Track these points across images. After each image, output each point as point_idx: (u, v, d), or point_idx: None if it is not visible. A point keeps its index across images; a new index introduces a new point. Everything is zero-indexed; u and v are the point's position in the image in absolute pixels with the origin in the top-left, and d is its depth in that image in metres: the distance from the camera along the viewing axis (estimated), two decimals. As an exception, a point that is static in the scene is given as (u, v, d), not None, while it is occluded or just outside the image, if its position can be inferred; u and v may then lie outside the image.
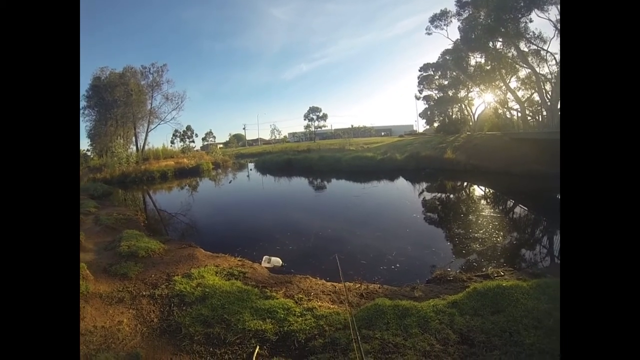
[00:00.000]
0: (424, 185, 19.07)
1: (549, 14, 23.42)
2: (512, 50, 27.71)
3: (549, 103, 25.31)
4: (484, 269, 6.33)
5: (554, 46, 25.56)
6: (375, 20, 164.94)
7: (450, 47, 36.17)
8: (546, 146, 18.73)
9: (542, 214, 11.60)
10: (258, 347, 3.84)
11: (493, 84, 31.65)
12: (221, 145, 75.76)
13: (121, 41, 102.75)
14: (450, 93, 39.12)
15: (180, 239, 10.10)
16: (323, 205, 15.46)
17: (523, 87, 31.06)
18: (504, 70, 29.20)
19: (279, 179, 26.80)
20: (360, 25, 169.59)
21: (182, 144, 65.86)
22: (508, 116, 34.18)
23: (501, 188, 16.78)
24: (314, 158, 31.77)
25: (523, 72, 29.69)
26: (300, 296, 5.09)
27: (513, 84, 30.92)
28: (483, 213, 11.61)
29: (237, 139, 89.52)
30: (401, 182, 20.85)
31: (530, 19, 24.51)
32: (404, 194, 16.78)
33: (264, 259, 7.37)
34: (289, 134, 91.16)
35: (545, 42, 25.51)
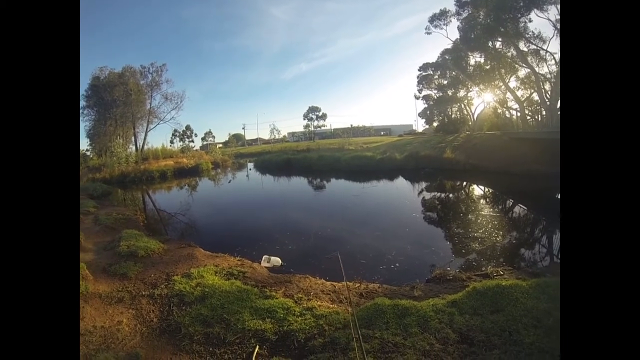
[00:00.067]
0: (424, 184, 19.08)
1: (548, 13, 23.49)
2: (512, 50, 27.74)
3: (548, 103, 25.34)
4: (483, 268, 6.33)
5: (554, 46, 25.62)
6: (374, 19, 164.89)
7: (449, 46, 36.28)
8: (545, 146, 18.75)
9: (542, 214, 11.61)
10: (258, 346, 3.84)
11: (492, 83, 31.67)
12: (220, 145, 75.77)
13: (120, 41, 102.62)
14: (449, 92, 39.15)
15: (180, 238, 10.09)
16: (322, 204, 15.46)
17: (522, 87, 31.11)
18: (503, 70, 29.22)
19: (278, 179, 26.81)
20: (360, 24, 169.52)
21: (181, 143, 65.88)
22: (507, 116, 34.25)
23: (500, 187, 16.80)
24: (313, 158, 31.78)
25: (522, 72, 29.76)
26: (300, 296, 5.10)
27: (512, 83, 31.01)
28: (482, 212, 11.62)
29: (237, 138, 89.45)
30: (400, 181, 20.87)
31: (530, 18, 24.58)
32: (404, 194, 16.79)
33: (263, 259, 7.37)
34: (289, 133, 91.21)
35: (544, 41, 25.58)
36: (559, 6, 22.05)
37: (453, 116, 43.28)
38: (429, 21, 36.20)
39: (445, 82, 39.59)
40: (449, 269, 6.41)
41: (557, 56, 25.00)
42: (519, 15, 24.39)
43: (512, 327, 3.66)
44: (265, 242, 9.11)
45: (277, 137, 79.84)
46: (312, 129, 76.02)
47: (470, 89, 37.52)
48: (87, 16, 73.03)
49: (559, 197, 12.92)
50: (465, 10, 29.90)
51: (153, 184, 27.47)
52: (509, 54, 28.24)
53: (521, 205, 12.90)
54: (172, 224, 13.07)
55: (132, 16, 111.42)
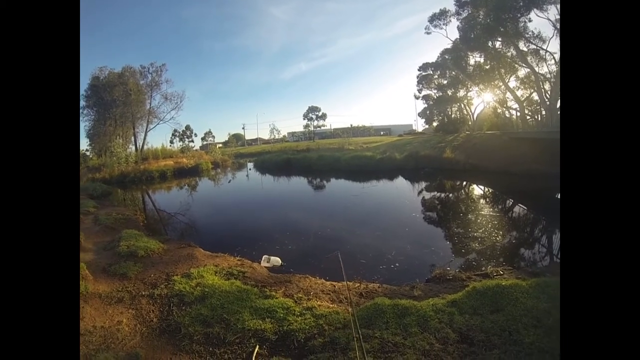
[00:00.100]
0: (423, 184, 19.09)
1: (548, 13, 23.48)
2: (511, 50, 27.75)
3: (548, 102, 25.35)
4: (483, 268, 6.33)
5: (553, 46, 25.62)
6: (374, 19, 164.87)
7: (449, 46, 36.28)
8: (545, 145, 18.76)
9: (542, 214, 11.62)
10: (257, 346, 3.84)
11: (492, 83, 31.67)
12: (220, 145, 75.68)
13: (120, 41, 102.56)
14: (449, 92, 39.14)
15: (180, 238, 10.09)
16: (322, 204, 15.47)
17: (522, 87, 31.10)
18: (503, 70, 29.22)
19: (278, 179, 26.81)
20: (360, 24, 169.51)
21: (181, 143, 65.90)
22: (507, 115, 34.24)
23: (500, 187, 16.81)
24: (313, 157, 31.80)
25: (522, 72, 29.74)
26: (300, 295, 5.10)
27: (512, 83, 31.00)
28: (482, 212, 11.63)
29: (236, 138, 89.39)
30: (400, 181, 20.87)
31: (530, 18, 24.58)
32: (403, 194, 16.80)
33: (263, 259, 7.38)
34: (288, 133, 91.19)
35: (544, 41, 25.58)
36: (558, 6, 22.06)
37: (453, 116, 43.28)
38: (428, 21, 36.25)
39: (445, 82, 39.58)
40: (448, 268, 6.41)
41: (557, 56, 25.03)
42: (519, 15, 24.40)
43: (512, 326, 3.66)
44: (265, 242, 9.11)
45: (276, 137, 79.93)
46: (312, 128, 76.05)
47: (470, 89, 37.51)
48: (87, 16, 73.05)
49: (559, 197, 12.93)
50: (465, 10, 29.91)
51: (153, 184, 27.46)
52: (509, 54, 28.25)
53: (521, 205, 12.91)
54: (171, 224, 13.07)
55: (132, 16, 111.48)
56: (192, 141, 73.13)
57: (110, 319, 4.63)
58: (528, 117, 29.86)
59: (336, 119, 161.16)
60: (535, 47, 26.24)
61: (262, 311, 4.53)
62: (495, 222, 10.10)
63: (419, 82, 43.69)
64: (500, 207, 13.15)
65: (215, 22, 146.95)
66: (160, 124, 42.40)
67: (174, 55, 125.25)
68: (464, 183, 19.09)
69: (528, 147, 20.65)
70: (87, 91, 39.12)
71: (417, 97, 45.46)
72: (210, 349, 3.91)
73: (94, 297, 5.24)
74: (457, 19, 31.32)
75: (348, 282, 5.61)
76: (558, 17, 22.76)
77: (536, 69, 26.59)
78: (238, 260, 7.16)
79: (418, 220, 11.35)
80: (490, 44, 28.20)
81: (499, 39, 27.47)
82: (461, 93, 38.86)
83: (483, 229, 9.38)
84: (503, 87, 31.06)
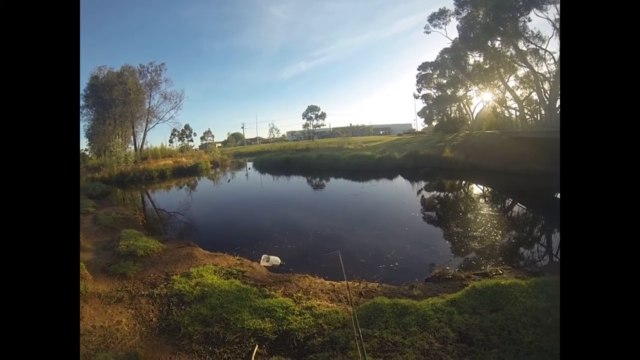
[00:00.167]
0: (423, 184, 19.09)
1: (547, 13, 23.51)
2: (511, 49, 27.76)
3: (547, 102, 25.37)
4: (482, 268, 6.34)
5: (553, 45, 25.64)
6: (374, 19, 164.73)
7: (449, 46, 36.29)
8: (544, 145, 18.78)
9: (541, 213, 11.63)
10: (257, 346, 3.84)
11: (491, 82, 31.69)
12: (220, 144, 75.62)
13: (119, 40, 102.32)
14: (448, 92, 39.15)
15: (179, 238, 10.09)
16: (322, 204, 15.48)
17: (521, 86, 31.11)
18: (502, 69, 29.22)
19: (277, 178, 26.81)
20: (359, 24, 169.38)
21: (180, 143, 65.54)
22: (506, 115, 34.28)
23: (500, 187, 16.82)
24: (312, 157, 31.80)
25: (521, 71, 29.75)
26: (299, 295, 5.10)
27: (511, 83, 31.02)
28: (482, 212, 11.64)
29: (236, 138, 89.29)
30: (400, 180, 20.88)
31: (529, 18, 24.61)
32: (403, 193, 16.80)
33: (262, 258, 7.38)
34: (288, 132, 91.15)
35: (543, 41, 25.59)
36: (558, 6, 22.07)
37: (452, 115, 43.30)
38: (428, 20, 36.16)
39: (445, 81, 39.60)
40: (448, 268, 6.42)
41: (556, 55, 25.06)
42: (518, 15, 24.42)
43: (511, 326, 3.67)
44: (264, 241, 9.11)
45: (276, 136, 79.82)
46: (311, 128, 75.98)
47: (470, 88, 37.53)
48: (86, 16, 72.82)
49: (559, 196, 12.95)
50: (465, 10, 29.89)
51: (152, 184, 27.44)
52: (508, 54, 28.27)
53: (520, 205, 12.92)
54: (171, 224, 13.06)
55: (131, 16, 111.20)
56: (192, 140, 72.71)
57: (109, 319, 4.63)
58: (527, 117, 29.87)
59: (335, 119, 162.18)
60: (534, 46, 26.29)
61: (262, 310, 4.53)
62: (495, 222, 10.11)
63: (418, 82, 43.71)
64: (499, 206, 13.16)
65: (215, 22, 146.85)
66: (159, 123, 42.50)
67: (174, 55, 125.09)
68: (464, 182, 19.10)
69: (527, 147, 20.68)
70: (87, 91, 39.10)
71: (416, 97, 45.53)
72: (210, 348, 3.91)
73: (94, 297, 5.24)
74: (457, 19, 31.35)
75: (347, 282, 5.62)
76: (557, 16, 22.79)
77: (535, 68, 26.62)
78: (237, 259, 7.16)
79: (417, 220, 11.36)
80: (489, 43, 28.22)
81: (499, 39, 27.48)
82: (460, 92, 38.88)
83: (482, 228, 9.39)
84: (502, 86, 31.09)
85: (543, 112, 26.53)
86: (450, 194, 15.99)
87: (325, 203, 15.58)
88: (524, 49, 26.78)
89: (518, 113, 30.60)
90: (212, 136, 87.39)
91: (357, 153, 30.30)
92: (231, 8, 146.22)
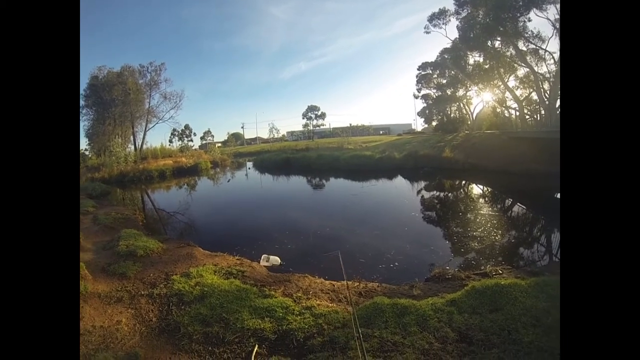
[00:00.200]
0: (423, 184, 19.09)
1: (547, 13, 23.52)
2: (511, 49, 27.77)
3: (547, 102, 25.38)
4: (482, 268, 6.35)
5: (553, 45, 25.67)
6: (374, 19, 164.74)
7: (448, 46, 36.29)
8: (544, 145, 18.78)
9: (541, 213, 11.63)
10: (257, 346, 3.84)
11: (491, 83, 31.70)
12: (219, 144, 75.58)
13: (119, 40, 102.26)
14: (448, 92, 39.15)
15: (179, 238, 10.08)
16: (321, 204, 15.48)
17: (521, 86, 31.12)
18: (502, 69, 29.23)
19: (277, 178, 26.81)
20: (359, 24, 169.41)
21: (180, 143, 65.49)
22: (506, 115, 34.29)
23: (499, 187, 16.83)
24: (312, 157, 31.79)
25: (521, 71, 29.76)
26: (299, 295, 5.10)
27: (511, 83, 31.02)
28: (481, 212, 11.64)
29: (236, 137, 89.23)
30: (399, 180, 20.88)
31: (529, 18, 24.63)
32: (403, 193, 16.80)
33: (262, 258, 7.38)
34: (288, 132, 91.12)
35: (543, 41, 25.60)
36: (558, 6, 22.08)
37: (452, 115, 43.30)
38: (428, 20, 36.15)
39: (445, 81, 39.60)
40: (448, 268, 6.42)
41: (556, 55, 25.07)
42: (518, 15, 24.43)
43: (511, 326, 3.67)
44: (264, 241, 9.11)
45: (276, 136, 79.78)
46: (311, 128, 76.00)
47: (469, 88, 37.53)
48: (86, 16, 72.77)
49: (558, 196, 12.95)
50: (465, 10, 29.89)
51: (152, 184, 27.44)
52: (508, 54, 28.27)
53: (520, 205, 12.93)
54: (171, 224, 13.06)
55: (130, 15, 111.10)
56: (191, 140, 72.60)
57: (109, 319, 4.63)
58: (527, 117, 29.89)
59: (335, 118, 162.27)
60: (534, 46, 26.30)
61: (262, 310, 4.53)
62: (495, 222, 10.11)
63: (418, 82, 43.72)
64: (499, 206, 13.16)
65: (215, 22, 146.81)
66: (159, 123, 42.48)
67: (173, 55, 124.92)
68: (463, 182, 19.11)
69: (527, 147, 20.68)
70: (86, 90, 39.11)
71: (416, 97, 45.54)
72: (210, 348, 3.91)
73: (93, 297, 5.24)
74: (457, 19, 31.36)
75: (347, 282, 5.62)
76: (557, 16, 22.80)
77: (535, 68, 26.62)
78: (237, 259, 7.16)
79: (417, 220, 11.36)
80: (489, 43, 28.22)
81: (499, 39, 27.49)
82: (460, 92, 38.88)
83: (482, 228, 9.39)
84: (502, 86, 31.09)
85: (543, 112, 26.54)
86: (450, 194, 15.99)
87: (325, 203, 15.58)
88: (524, 49, 26.81)
89: (518, 113, 30.61)
90: (212, 136, 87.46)
91: (357, 153, 30.30)
92: (231, 8, 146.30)
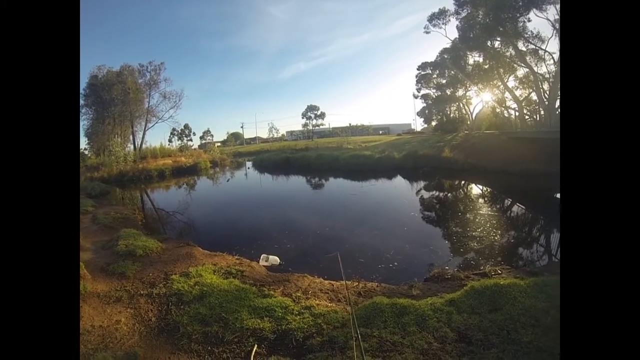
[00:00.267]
0: (422, 183, 19.09)
1: (547, 13, 23.53)
2: (510, 50, 27.78)
3: (546, 102, 25.40)
4: (481, 268, 6.35)
5: (552, 46, 25.77)
6: (373, 19, 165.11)
7: (448, 46, 36.26)
8: (544, 145, 18.79)
9: (540, 213, 11.65)
10: (256, 345, 3.84)
11: (491, 83, 31.70)
12: (219, 144, 75.46)
13: (118, 38, 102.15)
14: (448, 92, 39.12)
15: (178, 237, 10.08)
16: (321, 203, 15.47)
17: (521, 87, 31.11)
18: (502, 70, 29.25)
19: (276, 178, 26.81)
20: (359, 24, 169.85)
21: (179, 142, 65.41)
22: (506, 115, 34.29)
23: (499, 187, 16.84)
24: (311, 156, 31.78)
25: (521, 72, 29.74)
26: (298, 295, 5.10)
27: (511, 83, 31.01)
28: (481, 212, 11.64)
29: (235, 137, 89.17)
30: (399, 180, 20.88)
31: (529, 18, 24.64)
32: (402, 193, 16.81)
33: (261, 258, 7.38)
34: (287, 132, 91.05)
35: (543, 41, 25.62)
36: (557, 6, 22.09)
37: (452, 115, 43.27)
38: (427, 20, 36.14)
39: (444, 81, 39.57)
40: (447, 268, 6.42)
41: (556, 56, 25.09)
42: (518, 15, 24.44)
43: (510, 326, 3.68)
44: (263, 241, 9.11)
45: (275, 135, 79.65)
46: (310, 127, 75.95)
47: (469, 89, 37.50)
48: (84, 15, 72.68)
49: (558, 196, 12.96)
50: (464, 10, 29.90)
51: (151, 183, 27.43)
52: (508, 54, 28.29)
53: (519, 205, 12.93)
54: (170, 223, 13.05)
55: (130, 14, 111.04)
56: (191, 140, 72.50)
57: (108, 318, 4.63)
58: (527, 117, 29.92)
59: (335, 118, 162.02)
60: (534, 47, 26.31)
61: (261, 310, 4.53)
62: (494, 222, 10.12)
63: (417, 82, 43.68)
64: (498, 206, 13.17)
65: (214, 21, 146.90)
66: (158, 122, 42.41)
67: (172, 54, 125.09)
68: (463, 182, 19.12)
69: (526, 147, 20.69)
70: (86, 90, 39.07)
71: (416, 97, 45.47)
72: (209, 348, 3.91)
73: (93, 297, 5.23)
74: (456, 19, 31.39)
75: (347, 282, 5.62)
76: (557, 17, 22.82)
77: (535, 68, 26.64)
78: (237, 259, 7.16)
79: (417, 220, 11.37)
80: (489, 43, 28.23)
81: (498, 39, 27.50)
82: (460, 92, 38.85)
83: (481, 228, 9.40)
84: (502, 86, 31.10)
85: (542, 112, 26.56)
86: (449, 194, 16.00)
87: (324, 203, 15.57)
88: (524, 49, 26.82)
89: (517, 113, 30.64)
90: (212, 136, 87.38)
91: (357, 153, 30.29)
92: (230, 7, 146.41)
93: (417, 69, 43.22)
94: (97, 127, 38.98)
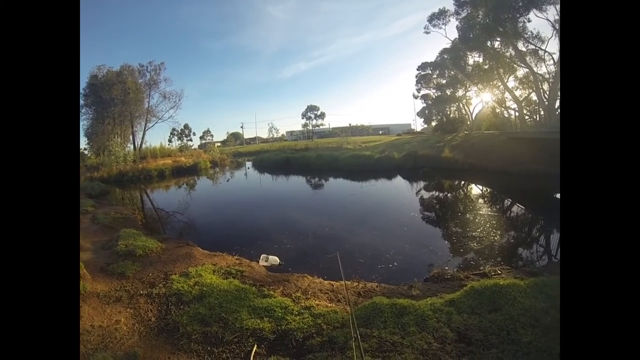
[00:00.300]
0: (422, 184, 19.09)
1: (547, 13, 23.50)
2: (510, 50, 27.77)
3: (546, 102, 25.39)
4: (481, 268, 6.35)
5: (552, 46, 25.80)
6: (373, 19, 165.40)
7: (448, 46, 36.27)
8: (544, 145, 18.79)
9: (540, 213, 11.65)
10: (256, 345, 3.84)
11: (491, 83, 31.70)
12: (219, 144, 75.48)
13: (118, 39, 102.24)
14: (448, 92, 39.14)
15: (178, 237, 10.07)
16: (321, 204, 15.47)
17: (521, 87, 31.09)
18: (501, 70, 29.24)
19: (276, 178, 26.80)
20: (358, 24, 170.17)
21: (179, 142, 65.44)
22: (506, 115, 34.28)
23: (499, 187, 16.83)
24: (311, 156, 31.77)
25: (521, 72, 29.72)
26: (298, 295, 5.10)
27: (511, 83, 30.99)
28: (480, 212, 11.64)
29: (235, 137, 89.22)
30: (399, 180, 20.88)
31: (529, 18, 24.60)
32: (402, 193, 16.80)
33: (261, 258, 7.38)
34: (287, 132, 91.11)
35: (543, 42, 25.60)
36: (557, 6, 22.09)
37: (451, 115, 43.28)
38: (427, 21, 36.12)
39: (444, 81, 39.58)
40: (447, 268, 6.42)
41: (556, 56, 25.08)
42: (518, 15, 24.42)
43: (510, 326, 3.68)
44: (263, 241, 9.11)
45: (275, 136, 79.73)
46: (310, 127, 75.95)
47: (469, 89, 37.54)
48: (84, 15, 72.66)
49: (558, 196, 12.97)
50: (464, 10, 29.89)
51: (151, 183, 27.42)
52: (508, 54, 28.28)
53: (519, 205, 12.93)
54: (170, 223, 13.04)
55: (130, 15, 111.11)
56: (191, 140, 72.54)
57: (108, 319, 4.62)
58: (526, 117, 29.90)
59: (335, 118, 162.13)
60: (534, 47, 26.29)
61: (261, 310, 4.53)
62: (494, 222, 10.11)
63: (417, 82, 43.68)
64: (498, 206, 13.17)
65: (214, 21, 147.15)
66: (158, 122, 42.44)
67: (173, 54, 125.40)
68: (462, 182, 19.12)
69: (526, 147, 20.69)
70: (86, 90, 39.08)
71: (415, 97, 45.47)
72: (209, 348, 3.90)
73: (92, 297, 5.23)
74: (456, 19, 31.37)
75: (346, 282, 5.62)
76: (557, 17, 22.81)
77: (535, 69, 26.63)
78: (236, 259, 7.16)
79: (416, 220, 11.36)
80: (489, 43, 28.22)
81: (498, 39, 27.48)
82: (460, 93, 38.88)
83: (481, 228, 9.40)
84: (502, 87, 31.09)
85: (542, 112, 26.55)
86: (449, 194, 16.00)
87: (324, 203, 15.56)
88: (524, 49, 26.80)
89: (517, 113, 30.62)
90: (212, 136, 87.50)
91: (356, 153, 30.28)
92: (230, 7, 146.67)
93: (417, 69, 43.28)
94: (97, 127, 38.98)
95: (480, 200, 14.28)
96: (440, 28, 35.85)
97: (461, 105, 41.84)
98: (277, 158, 34.68)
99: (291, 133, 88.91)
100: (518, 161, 19.65)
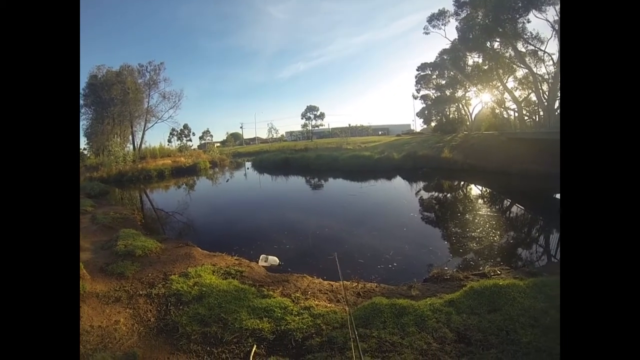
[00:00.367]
0: (421, 184, 19.10)
1: (546, 14, 23.51)
2: (510, 51, 27.77)
3: (545, 103, 25.41)
4: (480, 268, 6.35)
5: (552, 46, 25.82)
6: (372, 19, 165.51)
7: (447, 46, 36.32)
8: (543, 146, 18.80)
9: (539, 214, 11.66)
10: (255, 346, 3.84)
11: (490, 83, 31.71)
12: (218, 144, 75.44)
13: (118, 38, 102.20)
14: (447, 92, 39.19)
15: (177, 238, 10.07)
16: (320, 204, 15.47)
17: (520, 87, 31.08)
18: (501, 70, 29.24)
19: (276, 178, 26.80)
20: (358, 24, 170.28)
21: (179, 142, 65.36)
22: (505, 116, 34.29)
23: (498, 187, 16.85)
24: (311, 157, 31.76)
25: (520, 72, 29.73)
26: (298, 295, 5.10)
27: (510, 84, 30.98)
28: (480, 212, 11.65)
29: (235, 137, 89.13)
30: (398, 181, 20.88)
31: (528, 19, 24.59)
32: (401, 193, 16.81)
33: (261, 258, 7.37)
34: (286, 132, 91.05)
35: (542, 42, 25.58)
36: (557, 7, 22.11)
37: (451, 116, 43.34)
38: (427, 21, 36.09)
39: (444, 82, 39.63)
40: (446, 268, 6.42)
41: (555, 57, 25.08)
42: (518, 16, 24.43)
43: (509, 326, 3.68)
44: (262, 241, 9.10)
45: (275, 136, 79.63)
46: (310, 128, 75.91)
47: (468, 89, 37.55)
48: (84, 14, 72.62)
49: (558, 197, 12.98)
50: (464, 11, 29.88)
51: (151, 183, 27.40)
52: (507, 55, 28.28)
53: (518, 205, 12.94)
54: (169, 223, 13.04)
55: (129, 14, 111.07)
56: (190, 140, 72.47)
57: (107, 319, 4.62)
58: (526, 118, 29.90)
59: (334, 119, 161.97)
60: (533, 48, 26.28)
61: (260, 311, 4.53)
62: (493, 222, 10.12)
63: (417, 82, 43.76)
64: (497, 207, 13.18)
65: (213, 21, 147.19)
66: (158, 122, 42.47)
67: (172, 54, 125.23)
68: (462, 183, 19.13)
69: (526, 148, 20.69)
70: (85, 90, 39.03)
71: (415, 97, 45.59)
72: (208, 348, 3.90)
73: (92, 297, 5.22)
74: (456, 20, 31.34)
75: (346, 282, 5.62)
76: (556, 18, 22.84)
77: (534, 69, 26.62)
78: (236, 259, 7.15)
79: (416, 220, 11.37)
80: (488, 44, 28.22)
81: (498, 40, 27.48)
82: (459, 93, 38.92)
83: (481, 228, 9.41)
84: (501, 87, 31.09)
85: (542, 113, 26.56)
86: (448, 195, 16.01)
87: (323, 203, 15.56)
88: (523, 50, 26.80)
89: (517, 114, 30.62)
90: (211, 136, 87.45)
91: (356, 153, 30.26)
92: (229, 7, 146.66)
93: (417, 70, 43.39)
94: (96, 127, 38.94)
95: (480, 201, 14.29)
96: (440, 29, 35.90)
97: (461, 106, 41.89)
98: (277, 158, 34.67)
99: (291, 133, 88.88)
100: (517, 161, 19.66)
